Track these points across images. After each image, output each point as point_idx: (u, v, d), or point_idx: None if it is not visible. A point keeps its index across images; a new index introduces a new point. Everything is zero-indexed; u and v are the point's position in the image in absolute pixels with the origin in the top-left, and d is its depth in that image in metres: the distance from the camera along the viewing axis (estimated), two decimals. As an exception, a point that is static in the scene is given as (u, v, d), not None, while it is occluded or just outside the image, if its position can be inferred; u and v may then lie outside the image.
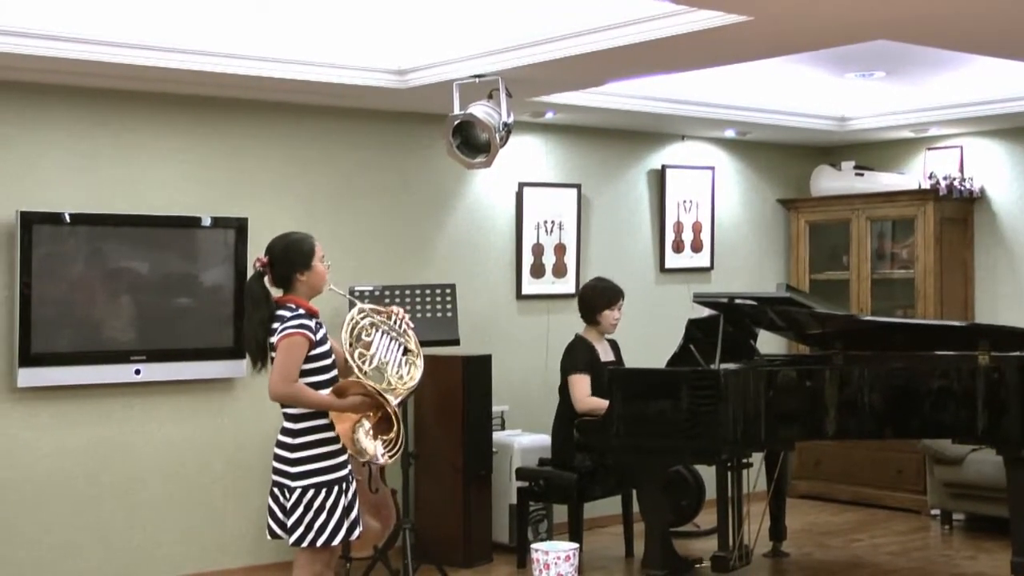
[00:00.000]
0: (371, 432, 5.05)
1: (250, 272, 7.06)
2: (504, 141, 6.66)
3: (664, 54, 6.22)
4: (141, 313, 7.15)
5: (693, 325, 7.42)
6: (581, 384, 7.46)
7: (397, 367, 5.26)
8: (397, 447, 5.06)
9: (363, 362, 5.17)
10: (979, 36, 6.05)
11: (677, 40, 5.83)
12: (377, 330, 5.27)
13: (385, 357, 5.23)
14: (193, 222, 7.29)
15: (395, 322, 5.31)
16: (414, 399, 7.39)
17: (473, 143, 6.78)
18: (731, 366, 7.03)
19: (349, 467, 5.16)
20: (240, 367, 7.31)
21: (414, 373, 5.30)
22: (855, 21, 5.49)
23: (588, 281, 8.01)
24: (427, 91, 7.17)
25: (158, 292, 7.23)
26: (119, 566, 7.12)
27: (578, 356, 7.58)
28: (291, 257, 5.19)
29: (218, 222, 7.34)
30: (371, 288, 7.37)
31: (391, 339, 5.28)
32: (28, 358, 6.75)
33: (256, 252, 7.17)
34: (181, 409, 7.34)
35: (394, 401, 5.08)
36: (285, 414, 5.14)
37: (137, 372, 7.08)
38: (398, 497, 7.53)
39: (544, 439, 8.06)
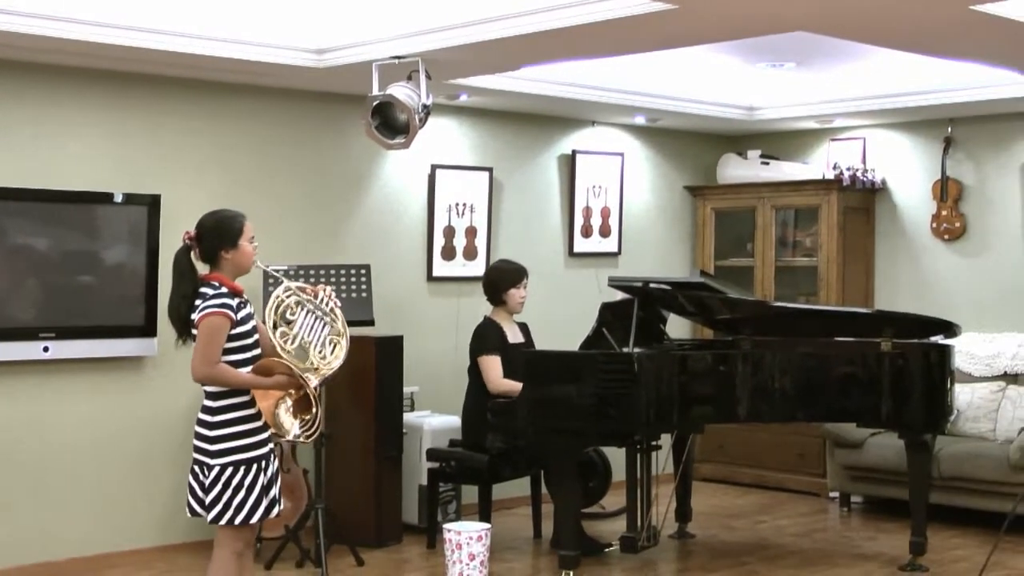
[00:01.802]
0: (291, 409, 5.05)
1: (163, 249, 7.10)
2: (423, 123, 6.68)
3: (587, 40, 6.26)
4: (50, 290, 7.05)
5: (606, 309, 7.48)
6: (493, 365, 7.50)
7: (321, 347, 5.22)
8: (314, 427, 5.06)
9: (285, 341, 5.13)
10: (900, 31, 6.18)
11: (600, 27, 5.86)
12: (302, 309, 5.23)
13: (308, 337, 5.18)
14: (105, 198, 7.20)
15: (321, 301, 5.27)
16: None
17: (392, 124, 6.80)
18: (645, 350, 7.10)
19: (270, 446, 5.12)
20: (152, 345, 7.27)
21: (338, 353, 5.26)
22: (778, 12, 5.58)
23: (491, 263, 8.04)
24: (345, 71, 7.15)
25: (68, 268, 7.13)
26: (28, 545, 7.02)
27: (487, 338, 7.61)
28: (218, 234, 5.13)
29: (130, 199, 7.26)
30: (286, 267, 7.32)
31: (316, 319, 5.24)
32: (-66, 334, 6.65)
33: (169, 229, 7.18)
34: (91, 387, 7.25)
35: (315, 381, 5.07)
36: (205, 391, 5.09)
37: (45, 350, 6.98)
38: (310, 477, 7.52)
39: (454, 420, 8.09)
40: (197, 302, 5.02)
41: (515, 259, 7.97)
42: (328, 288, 5.34)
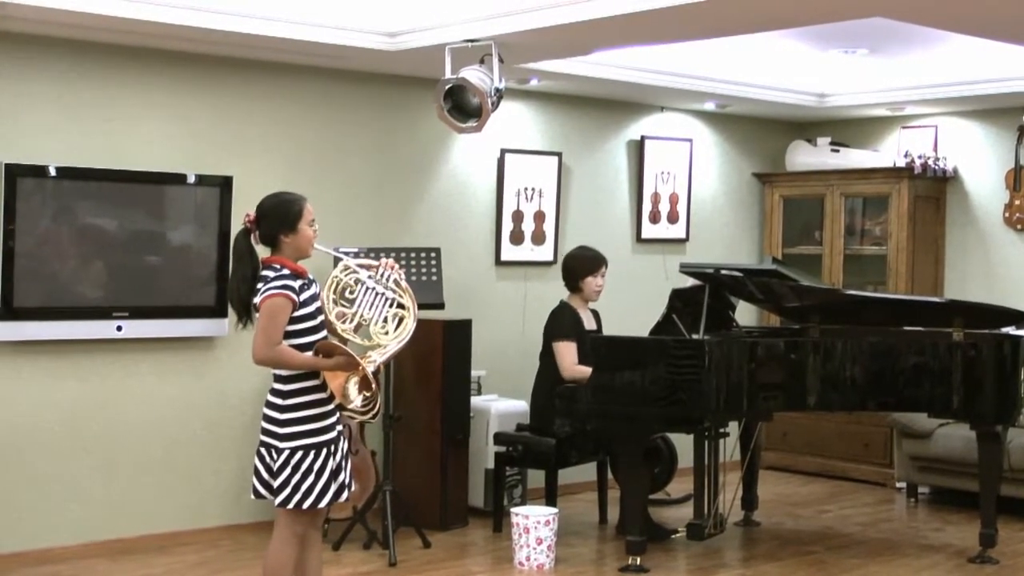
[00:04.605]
0: (358, 385, 5.01)
1: (234, 230, 7.09)
2: (496, 106, 6.67)
3: (662, 25, 6.22)
4: (124, 269, 7.11)
5: (675, 295, 7.46)
6: (568, 351, 7.47)
7: (383, 323, 5.14)
8: (373, 405, 5.01)
9: (343, 321, 5.11)
10: (986, 19, 6.08)
11: (676, 11, 5.82)
12: (362, 286, 5.18)
13: (368, 314, 5.13)
14: (178, 179, 7.25)
15: (382, 276, 5.19)
16: (394, 362, 7.35)
17: (464, 107, 6.79)
18: (715, 336, 7.07)
19: (338, 430, 5.11)
20: (222, 326, 7.31)
21: (404, 327, 5.15)
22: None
23: (572, 249, 8.02)
24: (418, 54, 7.15)
25: (141, 248, 7.19)
26: (96, 522, 7.11)
27: (564, 322, 7.59)
28: (277, 217, 5.09)
29: (203, 179, 7.31)
30: (355, 250, 7.35)
31: (377, 295, 5.16)
32: (10, 312, 6.70)
33: (241, 210, 7.16)
34: (162, 366, 7.31)
35: (378, 359, 5.03)
36: (275, 375, 5.08)
37: (119, 329, 7.05)
38: (378, 459, 7.55)
39: (520, 405, 8.10)
40: (259, 285, 4.99)
41: (584, 244, 7.95)
42: (389, 260, 5.25)
